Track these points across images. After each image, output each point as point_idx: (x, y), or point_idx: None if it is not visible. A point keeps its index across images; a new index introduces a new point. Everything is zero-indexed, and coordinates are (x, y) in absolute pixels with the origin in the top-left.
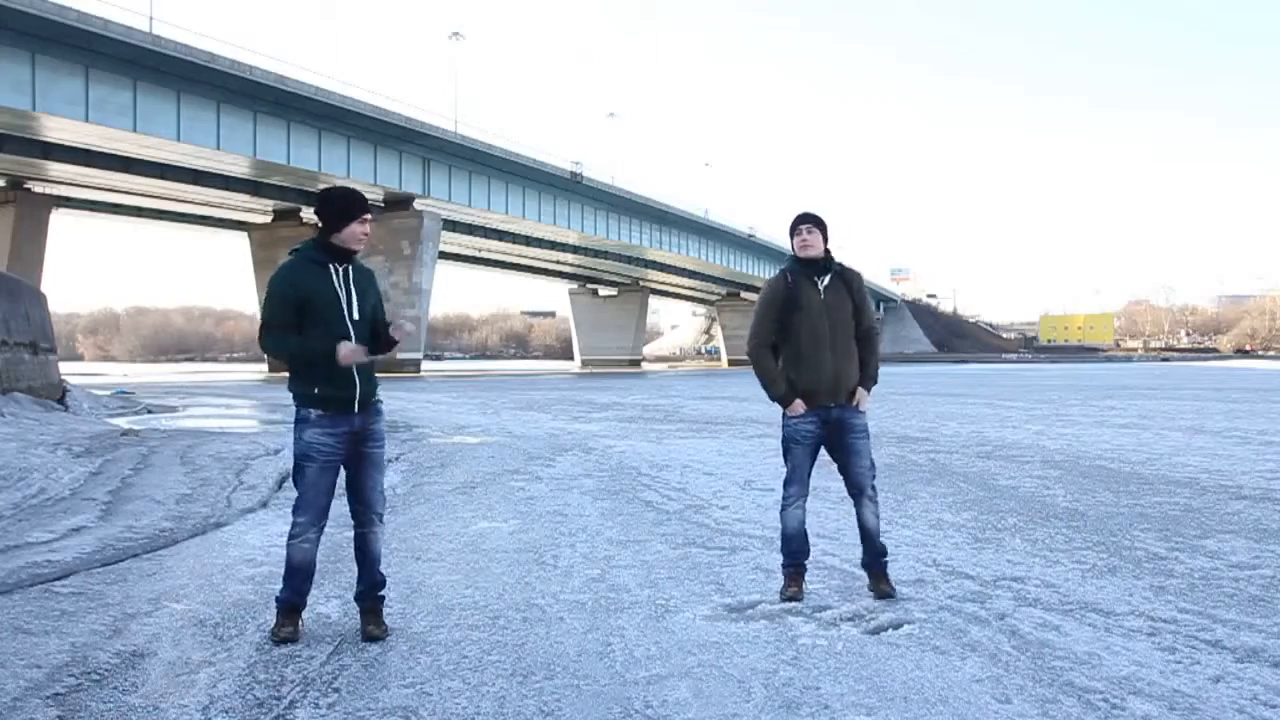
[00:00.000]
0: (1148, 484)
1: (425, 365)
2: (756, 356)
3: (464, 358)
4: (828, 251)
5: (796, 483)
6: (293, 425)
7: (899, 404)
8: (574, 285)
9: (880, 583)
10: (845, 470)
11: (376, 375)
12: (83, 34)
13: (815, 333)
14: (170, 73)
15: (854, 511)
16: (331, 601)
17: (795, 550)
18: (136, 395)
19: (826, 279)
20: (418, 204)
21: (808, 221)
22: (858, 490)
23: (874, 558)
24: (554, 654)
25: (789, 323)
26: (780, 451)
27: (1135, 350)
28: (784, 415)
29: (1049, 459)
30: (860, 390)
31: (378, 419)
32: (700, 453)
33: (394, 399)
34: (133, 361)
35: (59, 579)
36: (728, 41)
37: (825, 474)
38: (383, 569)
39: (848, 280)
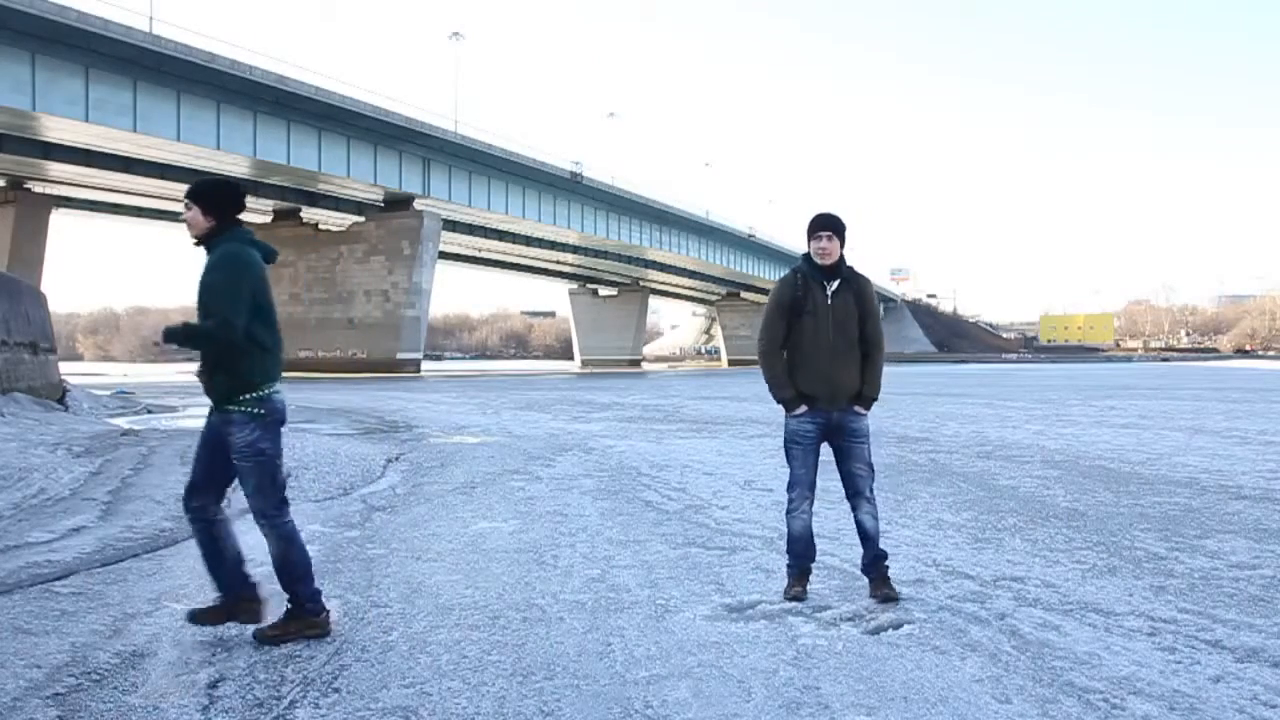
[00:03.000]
0: (1148, 484)
1: (425, 365)
2: (766, 358)
3: (464, 358)
4: (842, 256)
5: (799, 485)
6: None
7: (899, 404)
8: (574, 285)
9: (882, 586)
10: (844, 473)
11: (233, 373)
12: (83, 34)
13: (818, 337)
14: (170, 73)
15: (854, 518)
16: (331, 601)
17: (801, 554)
18: (136, 395)
19: (835, 284)
20: (418, 204)
21: (827, 229)
22: (855, 493)
23: (874, 561)
24: (554, 654)
25: (795, 325)
26: (782, 452)
27: (1135, 350)
28: (787, 417)
29: (1049, 459)
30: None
31: (235, 429)
32: (700, 453)
33: (394, 399)
34: (133, 361)
35: (59, 579)
36: (728, 41)
37: (820, 474)
38: (382, 569)
39: (856, 287)
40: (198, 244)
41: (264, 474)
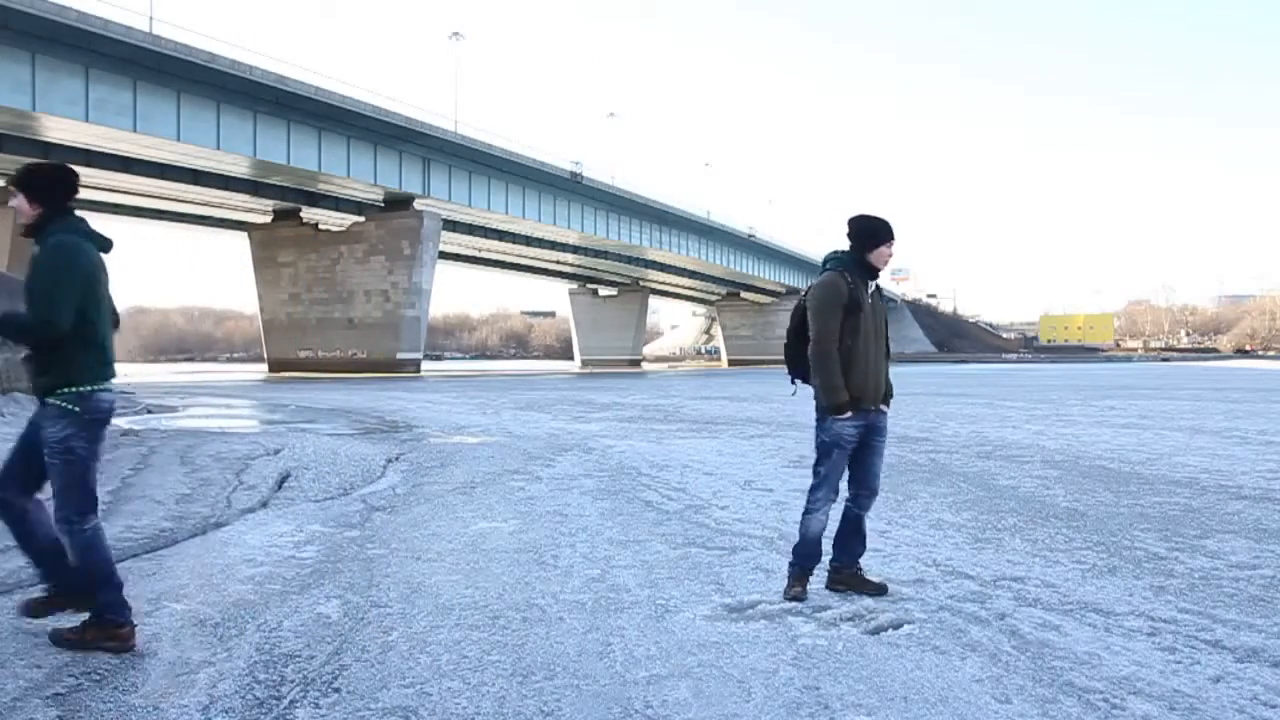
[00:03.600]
0: (1148, 484)
1: (425, 365)
2: (826, 360)
3: (464, 358)
4: None
5: (828, 486)
6: None
7: (899, 404)
8: (574, 285)
9: (869, 580)
10: (866, 470)
11: (56, 367)
12: (83, 34)
13: (868, 337)
14: (170, 73)
15: (848, 512)
16: (331, 601)
17: (811, 554)
18: (136, 395)
19: (873, 285)
20: (418, 204)
21: (894, 238)
22: (870, 492)
23: (858, 557)
24: (554, 654)
25: (847, 325)
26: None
27: (1135, 350)
28: (829, 420)
29: (1049, 459)
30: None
31: (48, 423)
32: (700, 453)
33: (394, 399)
34: (133, 361)
35: None
36: (728, 41)
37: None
38: (382, 570)
39: (882, 292)
40: (25, 234)
41: (72, 474)
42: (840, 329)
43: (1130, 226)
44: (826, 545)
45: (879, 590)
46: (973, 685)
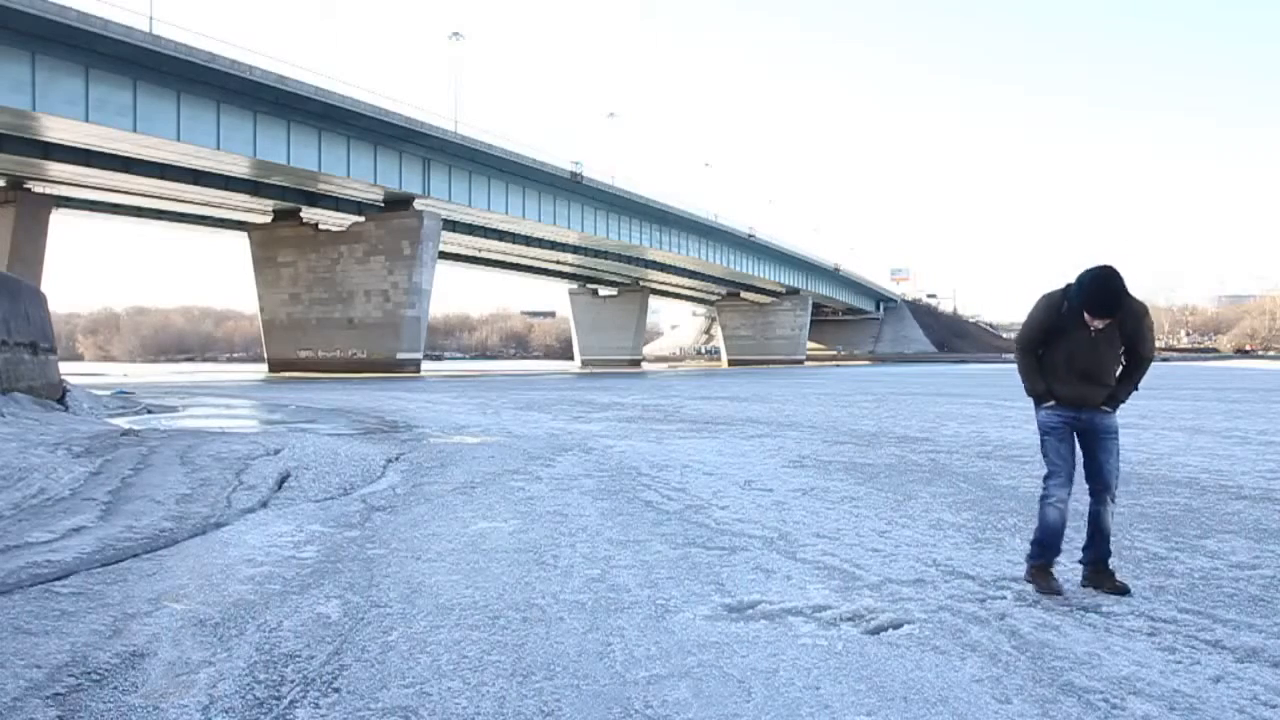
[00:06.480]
0: (1148, 484)
1: (425, 365)
2: (1021, 356)
3: (464, 358)
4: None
5: (1056, 476)
6: None
7: (899, 404)
8: (574, 285)
9: (1111, 579)
10: (1093, 466)
11: None
12: (83, 34)
13: (1071, 353)
14: (170, 73)
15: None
16: (331, 601)
17: (1043, 543)
18: (136, 395)
19: (1098, 322)
20: (418, 204)
21: (1101, 314)
22: (1100, 485)
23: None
24: (554, 654)
25: (1053, 341)
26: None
27: None
28: (1038, 408)
29: None
30: None
31: None
32: (700, 453)
33: (394, 399)
34: (133, 361)
35: (59, 579)
36: (728, 41)
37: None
38: (382, 570)
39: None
40: None
41: None
42: (1036, 340)
43: (1130, 226)
44: (828, 545)
45: (1117, 590)
46: (973, 685)
